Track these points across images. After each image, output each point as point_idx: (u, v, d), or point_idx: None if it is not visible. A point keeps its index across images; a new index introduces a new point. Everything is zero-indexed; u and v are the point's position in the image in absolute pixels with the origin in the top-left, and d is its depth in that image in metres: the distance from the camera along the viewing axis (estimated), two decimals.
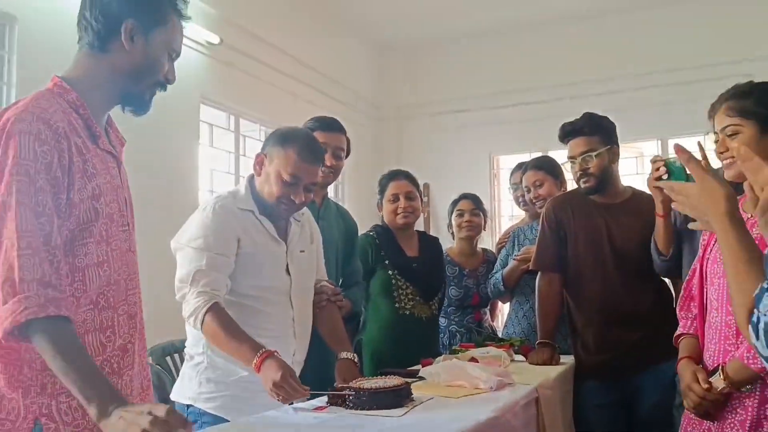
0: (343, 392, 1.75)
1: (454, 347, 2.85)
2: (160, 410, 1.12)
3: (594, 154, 2.55)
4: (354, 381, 1.83)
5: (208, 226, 1.87)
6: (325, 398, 1.83)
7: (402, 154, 5.85)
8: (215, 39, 4.23)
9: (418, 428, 1.52)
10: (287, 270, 2.00)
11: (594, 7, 5.20)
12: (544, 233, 2.68)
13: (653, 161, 2.29)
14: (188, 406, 1.89)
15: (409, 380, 1.86)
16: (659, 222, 2.35)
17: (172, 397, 1.97)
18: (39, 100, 1.30)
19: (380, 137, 6.16)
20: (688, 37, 5.10)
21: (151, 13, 1.40)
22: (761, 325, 0.95)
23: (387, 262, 2.80)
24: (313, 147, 1.97)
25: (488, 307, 3.41)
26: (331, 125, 2.54)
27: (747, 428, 1.63)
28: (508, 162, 6.00)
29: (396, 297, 2.77)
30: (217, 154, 4.65)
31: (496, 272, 3.23)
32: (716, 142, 1.81)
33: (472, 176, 5.47)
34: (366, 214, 5.01)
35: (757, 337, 0.96)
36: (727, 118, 1.75)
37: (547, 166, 3.09)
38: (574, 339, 2.62)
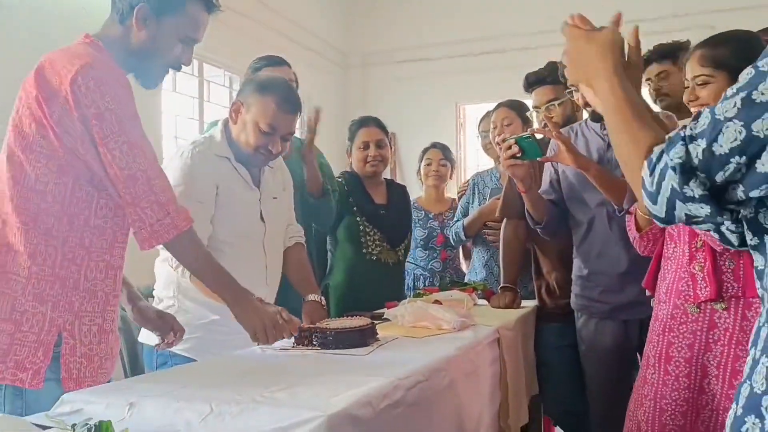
0: (310, 332, 1.78)
1: (418, 290, 2.92)
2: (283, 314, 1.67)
3: (557, 102, 2.58)
4: (320, 322, 1.87)
5: (188, 173, 1.88)
6: (291, 339, 1.86)
7: (368, 103, 5.81)
8: None
9: (383, 366, 1.56)
10: (261, 217, 2.02)
11: None
12: (511, 182, 2.70)
13: (501, 142, 2.33)
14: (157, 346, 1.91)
15: (374, 321, 1.90)
16: (525, 198, 2.40)
17: (141, 339, 1.98)
18: (95, 54, 1.46)
19: (346, 85, 6.10)
20: None
21: (164, 1, 1.52)
22: (660, 165, 0.90)
23: (355, 208, 2.82)
24: (291, 97, 1.98)
25: (457, 250, 3.48)
26: (279, 61, 2.55)
27: (695, 351, 1.75)
28: (474, 111, 6.01)
29: (363, 243, 2.79)
30: (181, 100, 4.57)
31: (457, 220, 3.29)
32: (687, 88, 1.83)
33: (438, 125, 5.47)
34: (330, 160, 5.00)
35: (651, 173, 0.92)
36: (699, 68, 1.76)
37: (518, 108, 3.12)
38: (539, 283, 2.69)
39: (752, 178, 0.85)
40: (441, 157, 3.49)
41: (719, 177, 0.86)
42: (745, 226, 0.96)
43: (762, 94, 0.83)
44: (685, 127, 0.91)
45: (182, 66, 1.61)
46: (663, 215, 0.93)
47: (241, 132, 1.95)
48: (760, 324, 0.95)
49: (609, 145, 2.40)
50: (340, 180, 2.90)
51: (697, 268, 1.79)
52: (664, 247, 1.94)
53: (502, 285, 2.67)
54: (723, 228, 1.11)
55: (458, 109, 5.98)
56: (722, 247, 1.69)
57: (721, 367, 1.74)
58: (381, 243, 2.82)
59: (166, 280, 1.92)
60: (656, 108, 2.62)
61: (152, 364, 1.91)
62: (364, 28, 6.13)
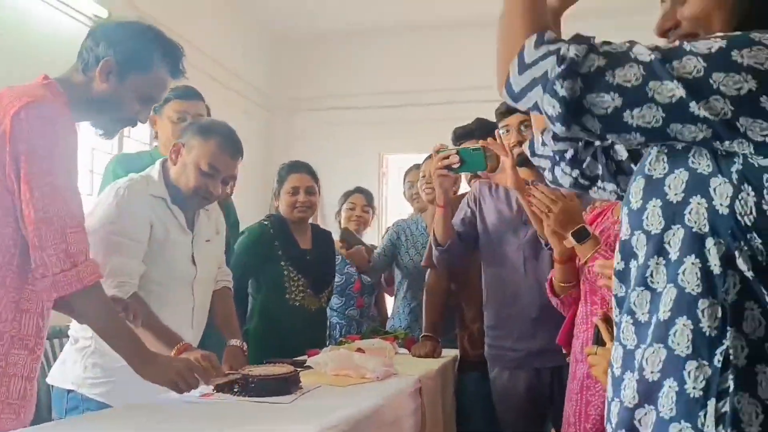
0: (233, 378, 1.73)
1: (339, 339, 2.89)
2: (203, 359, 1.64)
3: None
4: (242, 368, 1.82)
5: (124, 209, 1.82)
6: (211, 385, 1.80)
7: (291, 147, 5.80)
8: (103, 12, 4.03)
9: (307, 415, 1.53)
10: (192, 259, 1.98)
11: (487, 15, 5.39)
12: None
13: (438, 151, 2.35)
14: (69, 391, 1.81)
15: (296, 369, 1.87)
16: (439, 213, 2.47)
17: (50, 381, 1.87)
18: (47, 95, 1.44)
19: (270, 128, 6.09)
20: None
21: (132, 59, 1.55)
22: (552, 46, 0.89)
23: (280, 253, 2.78)
24: (234, 140, 1.98)
25: (373, 298, 3.47)
26: (191, 94, 2.50)
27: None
28: (397, 162, 6.11)
29: (287, 288, 2.75)
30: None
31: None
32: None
33: (360, 173, 5.51)
34: (253, 204, 4.95)
35: (537, 46, 0.91)
36: None
37: None
38: (462, 333, 2.72)
39: (611, 120, 0.87)
40: (364, 202, 3.53)
41: (589, 99, 0.87)
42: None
43: (675, 68, 0.84)
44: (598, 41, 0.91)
45: (138, 123, 1.62)
46: (517, 90, 0.92)
47: (181, 173, 1.93)
48: (616, 344, 0.98)
49: None
50: (266, 223, 2.87)
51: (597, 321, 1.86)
52: (579, 306, 2.02)
53: (423, 334, 2.69)
54: (558, 168, 1.15)
55: (381, 158, 6.06)
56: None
57: None
58: (305, 289, 2.79)
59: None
60: None
61: (62, 409, 1.80)
62: (291, 72, 6.16)
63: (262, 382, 1.70)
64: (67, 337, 2.68)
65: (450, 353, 2.69)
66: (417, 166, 3.43)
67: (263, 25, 5.90)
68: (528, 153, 1.02)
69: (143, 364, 1.54)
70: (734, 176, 0.86)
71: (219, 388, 1.76)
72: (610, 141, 0.94)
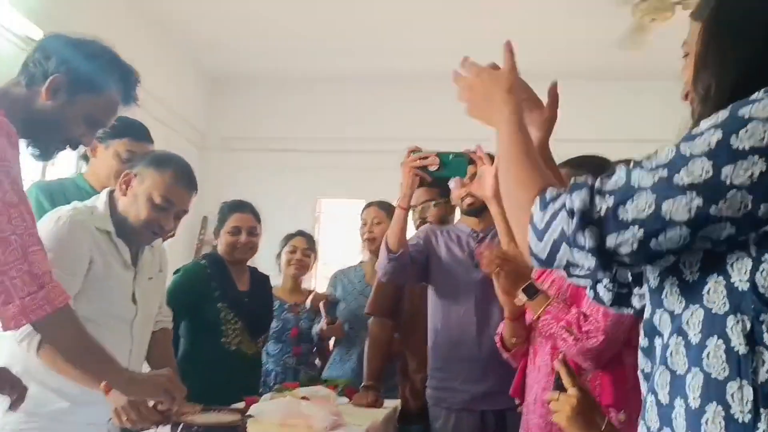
0: (180, 424, 1.60)
1: (276, 386, 2.77)
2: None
3: (433, 203, 2.67)
4: (185, 415, 1.68)
5: (62, 240, 1.67)
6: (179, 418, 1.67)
7: (225, 187, 5.65)
8: (38, 33, 3.84)
9: None
10: (133, 298, 1.84)
11: (428, 70, 5.50)
12: (380, 281, 2.72)
13: (414, 151, 2.25)
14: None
15: (243, 416, 1.76)
16: (398, 215, 2.36)
17: None
18: None
19: (204, 167, 5.90)
20: None
21: (84, 79, 1.45)
22: (556, 204, 0.88)
23: (217, 294, 2.66)
24: (189, 173, 1.88)
25: (313, 346, 3.36)
26: (144, 135, 2.39)
27: None
28: (331, 206, 6.06)
29: (224, 331, 2.62)
30: (23, 160, 4.18)
31: (316, 321, 3.24)
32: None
33: (295, 216, 5.42)
34: (180, 243, 4.77)
35: (543, 209, 0.90)
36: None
37: (387, 208, 3.16)
38: (404, 383, 2.66)
39: (641, 254, 0.85)
40: (306, 246, 3.44)
41: (611, 240, 0.85)
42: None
43: (683, 178, 0.82)
44: (590, 178, 0.90)
45: (79, 146, 1.51)
46: (544, 256, 0.90)
47: (131, 205, 1.80)
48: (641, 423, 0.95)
49: (481, 240, 2.51)
50: (202, 262, 2.74)
51: (557, 366, 1.86)
52: (529, 357, 2.01)
53: (364, 383, 2.61)
54: (599, 285, 1.13)
55: (316, 202, 6.00)
56: (584, 363, 1.79)
57: None
58: (242, 333, 2.66)
59: (9, 359, 1.65)
60: None
61: None
62: (226, 112, 6.06)
63: (208, 430, 1.58)
64: None
65: (391, 404, 2.61)
66: (375, 204, 3.34)
67: (200, 63, 5.81)
68: (564, 275, 0.99)
69: (130, 381, 1.49)
70: (752, 249, 0.84)
71: None
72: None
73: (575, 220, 0.86)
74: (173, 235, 2.20)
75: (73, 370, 1.49)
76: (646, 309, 0.96)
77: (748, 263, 0.84)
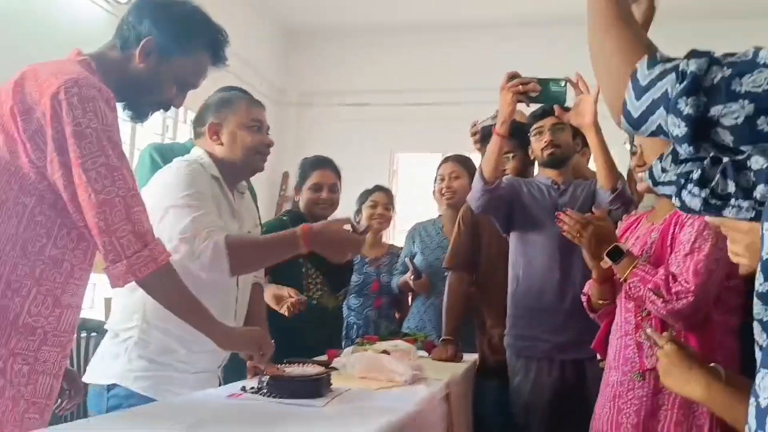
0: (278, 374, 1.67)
1: (357, 339, 2.84)
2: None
3: (512, 155, 2.64)
4: (272, 368, 1.76)
5: (197, 180, 1.80)
6: (239, 385, 1.75)
7: (302, 142, 5.75)
8: None
9: (343, 420, 1.48)
10: None
11: (504, 17, 5.35)
12: (459, 233, 2.73)
13: (513, 77, 2.24)
14: (111, 387, 1.73)
15: (327, 369, 1.82)
16: (494, 142, 2.34)
17: (87, 379, 1.79)
18: (83, 71, 1.36)
19: (283, 123, 6.02)
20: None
21: (176, 41, 1.48)
22: (668, 65, 0.82)
23: None
24: (249, 94, 2.03)
25: (392, 299, 3.41)
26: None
27: (642, 416, 1.75)
28: (407, 160, 6.06)
29: (305, 285, 2.69)
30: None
31: (395, 273, 3.27)
32: (634, 154, 1.92)
33: (372, 171, 5.46)
34: (264, 201, 4.88)
35: (651, 67, 0.84)
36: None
37: (466, 164, 3.16)
38: (481, 337, 2.68)
39: (744, 131, 0.79)
40: (386, 200, 3.47)
41: (715, 110, 0.79)
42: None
43: None
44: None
45: (171, 108, 1.56)
46: (636, 116, 0.86)
47: (231, 145, 1.90)
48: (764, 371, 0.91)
49: (562, 192, 2.48)
50: (284, 218, 2.81)
51: (643, 337, 1.83)
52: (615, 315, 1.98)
53: (443, 337, 2.64)
54: (684, 192, 1.07)
55: (392, 157, 6.01)
56: (674, 324, 1.75)
57: (664, 430, 1.77)
58: (322, 287, 2.73)
59: (128, 310, 1.76)
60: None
61: (101, 406, 1.73)
62: (304, 67, 6.10)
63: (295, 383, 1.64)
64: (84, 330, 2.65)
65: (470, 358, 2.64)
66: (452, 159, 3.32)
67: (278, 17, 5.84)
68: (649, 183, 0.95)
69: (225, 336, 1.59)
70: None
71: (247, 388, 1.71)
72: (746, 154, 0.86)
73: (685, 83, 0.80)
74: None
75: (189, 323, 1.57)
76: (764, 249, 0.87)
77: None
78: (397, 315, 3.43)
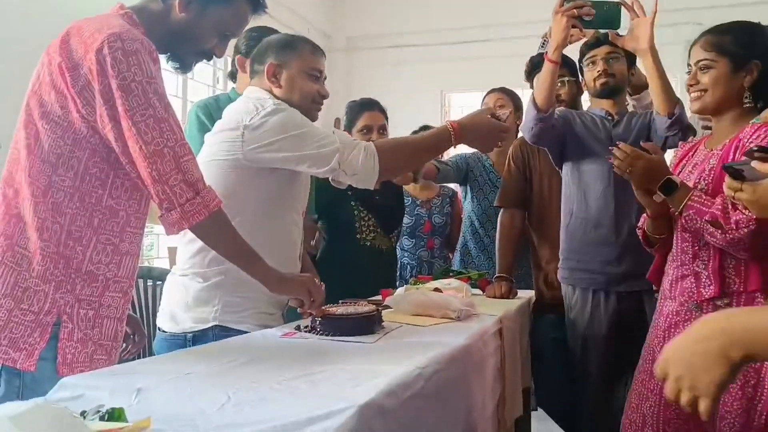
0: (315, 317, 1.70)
1: (410, 279, 2.86)
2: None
3: (565, 80, 2.59)
4: (323, 308, 1.79)
5: (295, 116, 1.83)
6: (293, 325, 1.79)
7: (351, 86, 5.72)
8: None
9: (396, 355, 1.49)
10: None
11: None
12: (510, 170, 2.71)
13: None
14: (205, 330, 1.78)
15: (379, 307, 1.84)
16: (547, 68, 2.28)
17: (182, 328, 1.82)
18: (125, 25, 1.38)
19: (331, 69, 5.95)
20: None
21: None
22: None
23: (350, 192, 2.73)
24: (314, 43, 2.00)
25: (444, 239, 3.40)
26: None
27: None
28: (458, 100, 5.96)
29: (358, 228, 2.72)
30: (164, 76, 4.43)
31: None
32: (689, 73, 1.84)
33: (423, 112, 5.40)
34: None
35: None
36: (702, 52, 1.79)
37: (513, 96, 3.10)
38: (537, 273, 2.66)
39: None
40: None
41: None
42: None
43: None
44: None
45: (214, 57, 1.57)
46: None
47: (290, 88, 1.90)
48: None
49: (616, 123, 2.41)
50: None
51: (701, 266, 1.77)
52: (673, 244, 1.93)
53: (497, 275, 2.63)
54: None
55: (443, 96, 5.93)
56: (726, 245, 1.68)
57: None
58: (375, 229, 2.75)
59: (209, 254, 1.76)
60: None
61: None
62: (350, 11, 6.03)
63: (347, 321, 1.67)
64: (150, 279, 2.74)
65: (525, 294, 2.63)
66: (498, 90, 3.23)
67: None
68: None
69: (279, 281, 1.63)
70: None
71: (300, 327, 1.75)
72: None
73: None
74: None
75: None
76: None
77: None
78: (450, 255, 3.43)
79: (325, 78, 1.99)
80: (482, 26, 5.43)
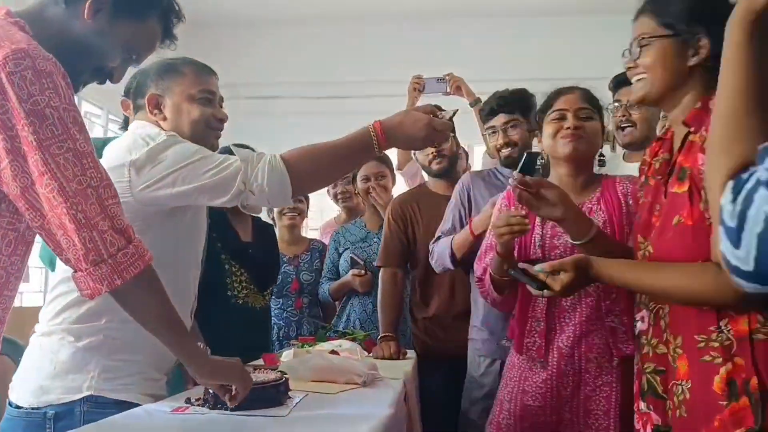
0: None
1: (284, 342, 2.65)
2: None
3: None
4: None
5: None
6: (182, 397, 1.52)
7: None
8: None
9: (320, 430, 1.29)
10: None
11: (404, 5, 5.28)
12: (390, 230, 2.66)
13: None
14: (82, 400, 1.47)
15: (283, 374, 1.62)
16: (469, 239, 2.25)
17: (47, 400, 1.47)
18: (26, 37, 1.12)
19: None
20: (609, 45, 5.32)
21: (129, 2, 1.27)
22: (748, 185, 0.66)
23: (219, 245, 2.48)
24: (198, 61, 1.77)
25: (314, 298, 3.20)
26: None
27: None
28: None
29: (229, 285, 2.46)
30: None
31: (323, 280, 3.08)
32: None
33: None
34: None
35: (734, 198, 0.67)
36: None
37: (387, 163, 3.06)
38: (416, 325, 2.64)
39: None
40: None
41: None
42: None
43: None
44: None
45: (109, 81, 1.32)
46: (751, 266, 0.65)
47: (177, 119, 1.67)
48: None
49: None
50: None
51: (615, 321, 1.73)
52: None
53: (382, 334, 2.50)
54: None
55: None
56: None
57: None
58: (248, 285, 2.50)
59: (93, 309, 1.49)
60: None
61: (75, 422, 1.43)
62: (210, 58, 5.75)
63: (254, 391, 1.42)
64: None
65: (412, 353, 2.52)
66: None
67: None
68: None
69: (211, 366, 1.33)
70: None
71: (190, 400, 1.49)
72: None
73: None
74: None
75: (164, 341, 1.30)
76: None
77: None
78: (320, 313, 3.23)
79: (222, 99, 1.77)
80: (352, 82, 5.41)
